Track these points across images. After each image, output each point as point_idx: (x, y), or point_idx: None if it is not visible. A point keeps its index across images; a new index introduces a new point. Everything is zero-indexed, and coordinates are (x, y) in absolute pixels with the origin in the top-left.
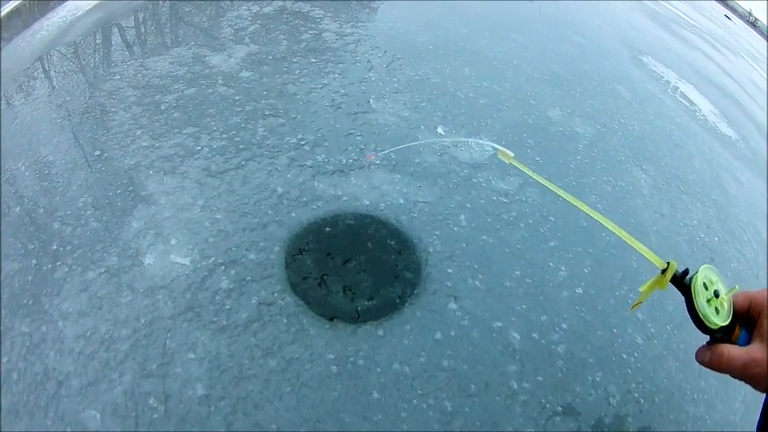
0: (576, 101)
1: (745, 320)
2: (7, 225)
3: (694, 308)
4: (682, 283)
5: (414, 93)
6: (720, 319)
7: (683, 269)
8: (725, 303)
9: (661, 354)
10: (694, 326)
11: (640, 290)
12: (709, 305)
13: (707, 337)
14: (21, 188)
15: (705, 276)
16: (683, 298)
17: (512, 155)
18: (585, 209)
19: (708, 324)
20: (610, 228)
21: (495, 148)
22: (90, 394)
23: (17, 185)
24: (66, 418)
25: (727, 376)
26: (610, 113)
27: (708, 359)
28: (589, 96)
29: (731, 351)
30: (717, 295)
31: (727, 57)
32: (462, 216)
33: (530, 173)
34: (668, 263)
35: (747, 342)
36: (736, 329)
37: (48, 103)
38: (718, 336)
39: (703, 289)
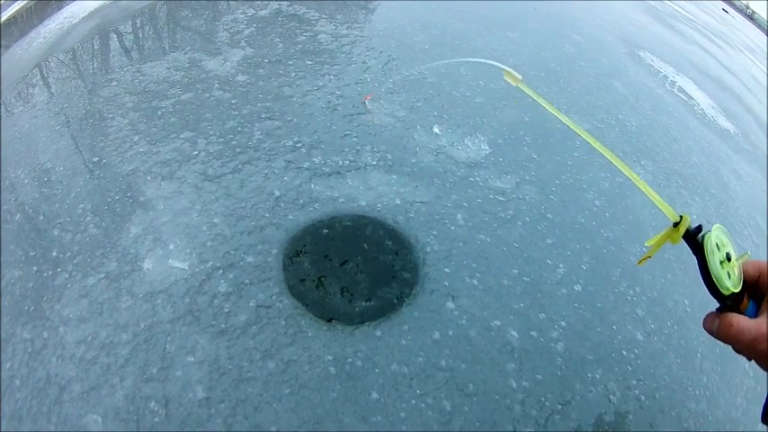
0: (572, 97)
1: (754, 291)
2: (8, 232)
3: (707, 268)
4: (694, 239)
5: (410, 93)
6: (733, 285)
7: (696, 225)
8: (736, 269)
9: (661, 350)
10: (705, 288)
11: (647, 244)
12: (722, 268)
13: (709, 335)
14: (20, 195)
15: (717, 237)
16: (681, 291)
17: (519, 77)
18: (598, 145)
19: (720, 288)
20: (620, 167)
21: (501, 69)
22: (91, 399)
23: (17, 193)
24: (69, 422)
25: (729, 371)
26: (607, 109)
27: (716, 328)
28: (586, 93)
29: (741, 322)
30: (728, 259)
31: (725, 50)
32: (459, 215)
33: (538, 98)
34: (681, 216)
35: (755, 314)
36: (745, 299)
37: (46, 110)
38: (729, 303)
39: (716, 249)
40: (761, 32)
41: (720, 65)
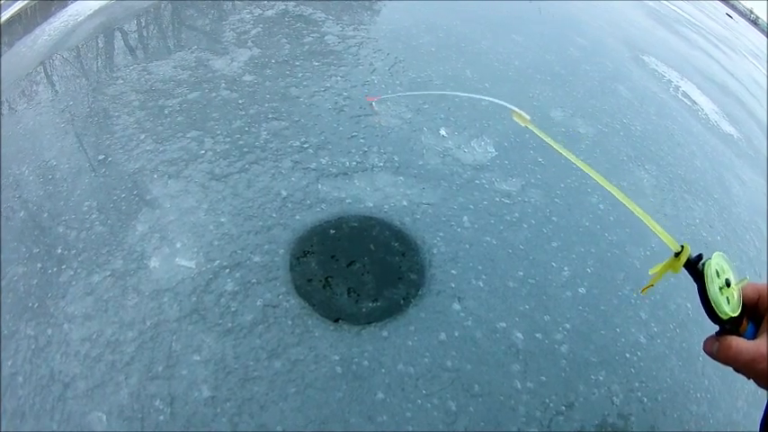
0: (577, 101)
1: (753, 313)
2: (12, 229)
3: (706, 295)
4: (695, 268)
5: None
6: (731, 310)
7: (697, 254)
8: (735, 293)
9: (664, 353)
10: (705, 314)
11: (650, 272)
12: (721, 294)
13: (711, 332)
14: (25, 192)
15: (717, 264)
16: (684, 295)
17: (528, 118)
18: (604, 182)
19: (719, 313)
20: (628, 205)
21: (511, 109)
22: (96, 396)
23: (22, 190)
24: (73, 420)
25: (731, 374)
26: (611, 113)
27: (715, 350)
28: (591, 96)
29: (739, 344)
30: (728, 284)
31: (729, 55)
32: (465, 217)
33: (548, 139)
34: (682, 246)
35: (754, 336)
36: (744, 322)
37: (51, 107)
38: (727, 327)
39: (716, 276)
40: (764, 37)
41: (724, 70)
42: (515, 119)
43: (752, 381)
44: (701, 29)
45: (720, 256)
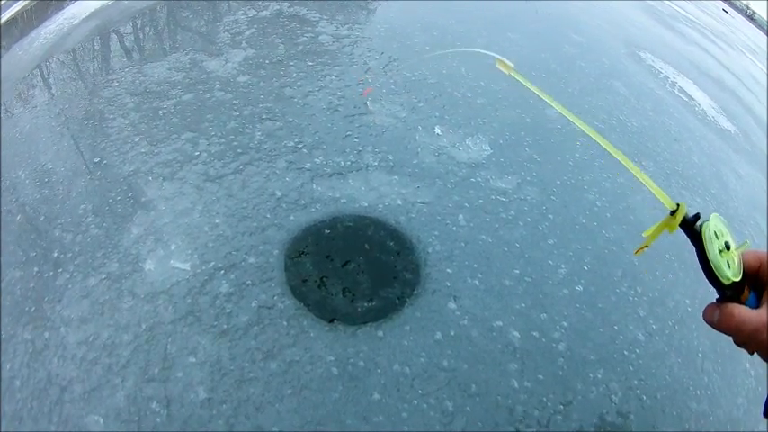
0: (573, 98)
1: (754, 281)
2: (10, 233)
3: (706, 257)
4: (692, 228)
5: (411, 94)
6: (733, 274)
7: (694, 214)
8: (735, 258)
9: (663, 350)
10: (707, 284)
11: (645, 234)
12: (721, 257)
13: (710, 335)
14: (21, 196)
15: (715, 226)
16: (683, 291)
17: (511, 65)
18: (598, 138)
19: (720, 278)
20: (620, 159)
21: (494, 57)
22: (93, 399)
23: (17, 193)
24: (70, 423)
25: (731, 371)
26: (608, 110)
27: (716, 319)
28: (587, 93)
29: (742, 312)
30: (728, 247)
31: (726, 51)
32: (461, 216)
33: (530, 86)
34: (678, 204)
35: (756, 305)
36: (745, 290)
37: (47, 111)
38: (729, 293)
39: (714, 238)
40: (761, 33)
41: (721, 65)
42: (499, 66)
43: (755, 357)
44: (697, 24)
45: (717, 218)
